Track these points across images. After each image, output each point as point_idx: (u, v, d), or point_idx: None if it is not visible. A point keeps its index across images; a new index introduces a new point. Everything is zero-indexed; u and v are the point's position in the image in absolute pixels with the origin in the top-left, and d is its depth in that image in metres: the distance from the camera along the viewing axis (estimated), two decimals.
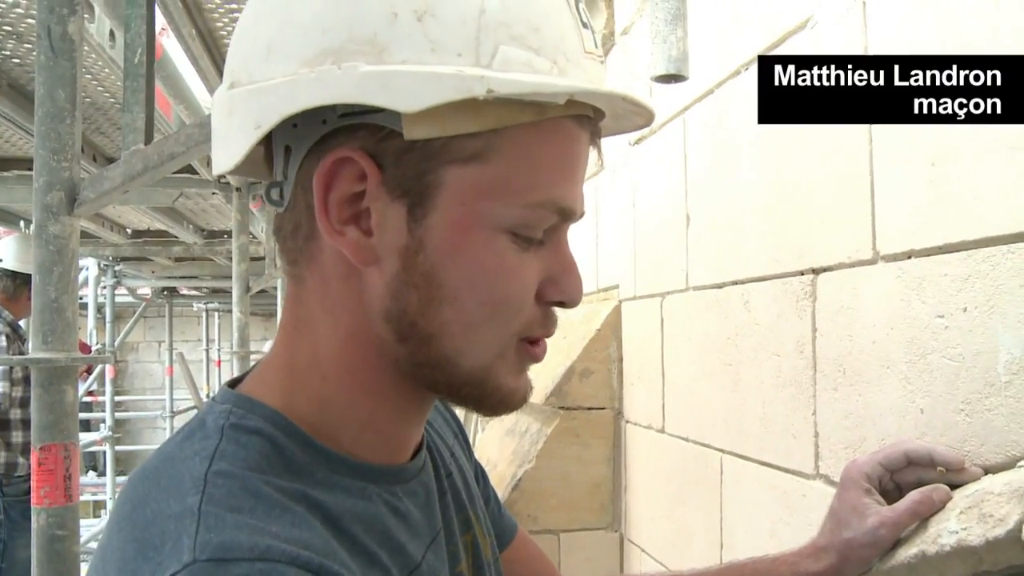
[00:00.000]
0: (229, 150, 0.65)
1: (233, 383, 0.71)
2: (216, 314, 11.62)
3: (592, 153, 0.70)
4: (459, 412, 0.99)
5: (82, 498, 7.95)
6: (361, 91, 0.58)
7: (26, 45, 2.46)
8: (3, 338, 3.94)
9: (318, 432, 0.66)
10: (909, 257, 1.15)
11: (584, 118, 0.66)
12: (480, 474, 0.97)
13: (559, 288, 0.68)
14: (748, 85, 1.65)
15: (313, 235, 0.65)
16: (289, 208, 0.66)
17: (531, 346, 0.69)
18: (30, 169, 1.62)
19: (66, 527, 1.52)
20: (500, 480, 2.56)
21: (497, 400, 0.69)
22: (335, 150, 0.62)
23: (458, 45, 0.59)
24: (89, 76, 2.72)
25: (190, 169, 3.91)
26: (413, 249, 0.63)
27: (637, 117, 0.71)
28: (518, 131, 0.62)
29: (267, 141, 0.66)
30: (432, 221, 0.62)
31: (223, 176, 4.00)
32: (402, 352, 0.66)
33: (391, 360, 0.66)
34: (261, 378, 0.70)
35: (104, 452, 8.72)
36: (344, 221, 0.63)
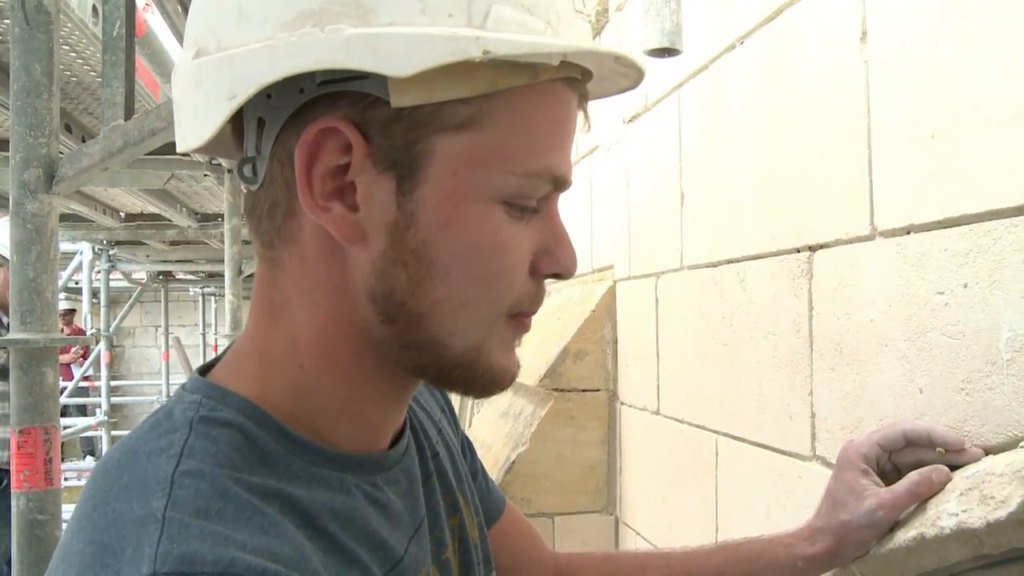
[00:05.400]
0: (199, 125, 0.60)
1: (204, 369, 0.68)
2: (212, 298, 11.62)
3: (579, 118, 0.67)
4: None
5: (80, 483, 7.96)
6: (348, 55, 0.54)
7: (6, 21, 2.41)
8: None
9: (294, 422, 0.63)
10: (908, 232, 1.12)
11: (573, 80, 0.63)
12: (467, 447, 0.94)
13: (554, 260, 0.65)
14: (744, 59, 1.62)
15: (292, 213, 0.61)
16: (264, 185, 0.62)
17: (521, 318, 0.66)
18: None
19: (47, 511, 1.50)
20: (494, 463, 2.54)
21: (488, 380, 0.66)
22: (317, 120, 0.58)
23: (449, 5, 0.56)
24: (74, 54, 2.67)
25: None
26: (403, 224, 0.60)
27: (624, 79, 0.68)
28: (511, 95, 0.59)
29: (236, 114, 0.61)
30: (423, 194, 0.59)
31: (211, 157, 3.96)
32: (387, 334, 0.62)
33: (374, 343, 0.63)
34: (233, 366, 0.66)
35: (100, 437, 8.72)
36: (328, 196, 0.59)
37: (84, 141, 3.51)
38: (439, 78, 0.56)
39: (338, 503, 0.62)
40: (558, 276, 0.66)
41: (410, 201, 0.59)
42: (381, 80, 0.55)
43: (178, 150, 0.65)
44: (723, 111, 1.71)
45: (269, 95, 0.59)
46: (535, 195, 0.63)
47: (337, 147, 0.58)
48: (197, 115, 0.60)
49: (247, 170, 0.62)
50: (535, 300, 0.66)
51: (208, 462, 0.57)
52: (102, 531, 0.54)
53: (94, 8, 2.12)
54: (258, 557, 0.52)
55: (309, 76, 0.57)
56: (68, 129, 3.19)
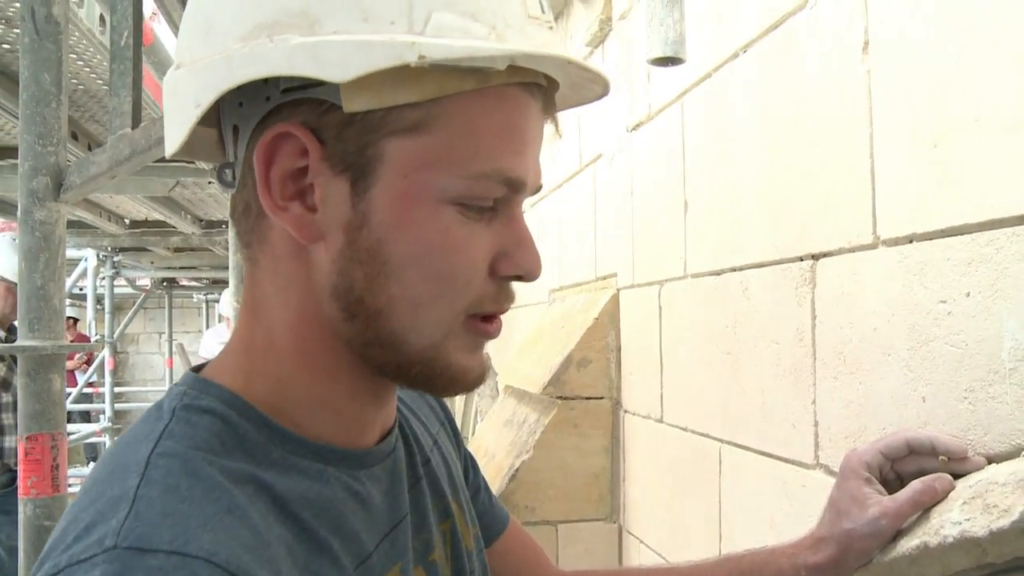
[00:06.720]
0: (173, 131, 0.64)
1: (198, 368, 0.70)
2: (216, 305, 11.61)
3: (549, 127, 0.69)
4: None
5: None
6: (291, 63, 0.58)
7: (15, 30, 2.42)
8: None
9: (277, 413, 0.65)
10: (911, 241, 1.13)
11: (535, 87, 0.65)
12: (470, 465, 0.96)
13: (513, 262, 0.66)
14: (746, 68, 1.63)
15: (263, 214, 0.64)
16: (240, 188, 0.66)
17: (483, 323, 0.67)
18: None
19: (54, 518, 1.50)
20: (498, 471, 2.54)
21: (448, 379, 0.67)
22: (275, 126, 0.61)
23: (391, 13, 0.58)
24: (81, 63, 2.69)
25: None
26: (357, 224, 0.62)
27: (595, 85, 0.70)
28: (460, 100, 0.61)
29: (219, 122, 0.66)
30: (375, 195, 0.62)
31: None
32: (352, 331, 0.65)
33: (343, 340, 0.66)
34: (222, 362, 0.69)
35: (104, 443, 8.71)
36: (287, 197, 0.63)
37: (90, 149, 3.52)
38: (387, 84, 0.58)
39: (314, 492, 0.64)
40: (519, 278, 0.68)
41: (363, 202, 0.62)
42: (335, 87, 0.58)
43: (166, 154, 0.69)
44: (726, 120, 1.72)
45: (241, 103, 0.63)
46: (487, 196, 0.64)
47: (293, 151, 0.62)
48: (173, 122, 0.65)
49: (227, 175, 0.66)
50: (497, 301, 0.67)
51: (184, 444, 0.60)
52: (82, 510, 0.57)
53: (101, 17, 2.13)
54: (217, 535, 0.54)
55: (273, 85, 0.61)
56: (74, 137, 3.20)
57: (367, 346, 0.65)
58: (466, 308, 0.65)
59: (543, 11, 0.64)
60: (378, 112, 0.60)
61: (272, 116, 0.62)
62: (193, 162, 3.91)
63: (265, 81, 0.60)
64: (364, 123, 0.60)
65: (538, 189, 0.69)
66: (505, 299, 0.68)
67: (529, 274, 0.67)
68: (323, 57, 0.57)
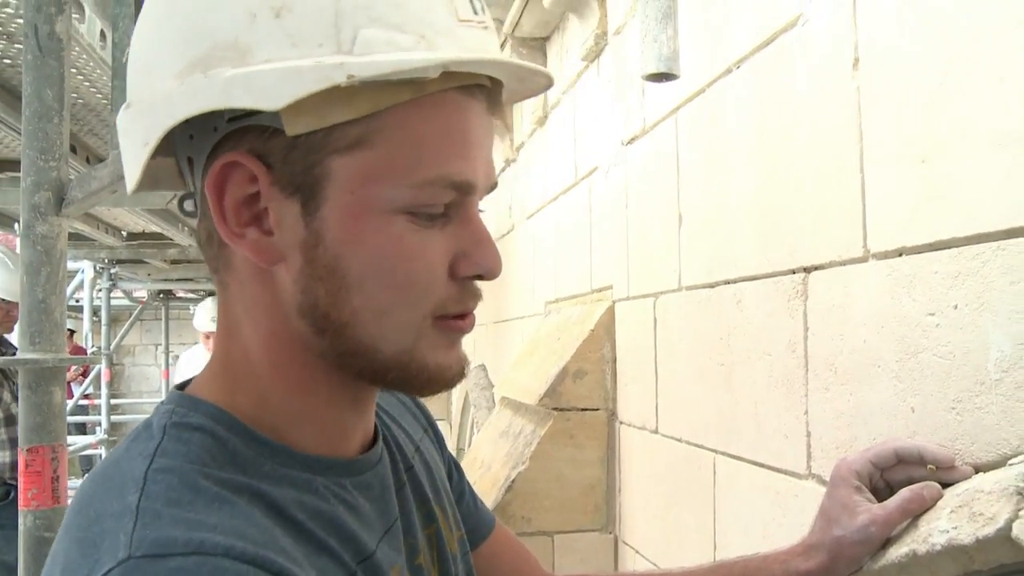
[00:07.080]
0: (129, 169, 0.66)
1: (182, 385, 0.72)
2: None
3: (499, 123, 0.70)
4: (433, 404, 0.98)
5: None
6: (226, 96, 0.59)
7: (17, 45, 2.44)
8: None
9: (262, 427, 0.66)
10: (900, 255, 1.15)
11: (476, 88, 0.65)
12: (454, 469, 0.97)
13: (473, 262, 0.67)
14: (739, 84, 1.65)
15: (224, 241, 0.66)
16: (201, 217, 0.67)
17: (454, 320, 0.68)
18: None
19: (54, 529, 1.51)
20: (494, 482, 2.55)
21: (425, 379, 0.68)
22: (223, 156, 0.62)
23: (318, 35, 0.59)
24: (81, 77, 2.71)
25: None
26: (312, 243, 0.63)
27: (540, 77, 0.70)
28: (398, 111, 0.62)
29: (175, 155, 0.67)
30: (325, 213, 0.63)
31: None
32: (323, 345, 0.66)
33: (316, 353, 0.67)
34: (205, 379, 0.71)
35: (100, 455, 8.69)
36: (243, 224, 0.64)
37: (89, 162, 3.54)
38: (323, 105, 0.59)
39: (307, 499, 0.65)
40: (480, 277, 0.69)
41: (315, 221, 0.63)
42: (275, 113, 0.59)
43: (127, 192, 0.70)
44: (720, 134, 1.74)
45: (191, 135, 0.64)
46: (436, 202, 0.65)
47: (243, 178, 0.63)
48: (128, 161, 0.66)
49: (188, 205, 0.68)
50: (461, 301, 0.68)
51: (179, 460, 0.61)
52: (84, 529, 0.58)
53: (102, 33, 2.15)
54: (228, 536, 0.55)
55: (219, 115, 0.61)
56: (73, 150, 3.22)
57: (341, 357, 0.66)
58: (431, 312, 0.66)
59: (476, 12, 0.65)
60: (319, 132, 0.61)
61: (222, 145, 0.63)
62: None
63: (211, 112, 0.61)
64: (307, 144, 0.61)
65: (493, 187, 0.70)
66: (470, 298, 0.69)
67: (489, 272, 0.68)
68: (255, 87, 0.58)
